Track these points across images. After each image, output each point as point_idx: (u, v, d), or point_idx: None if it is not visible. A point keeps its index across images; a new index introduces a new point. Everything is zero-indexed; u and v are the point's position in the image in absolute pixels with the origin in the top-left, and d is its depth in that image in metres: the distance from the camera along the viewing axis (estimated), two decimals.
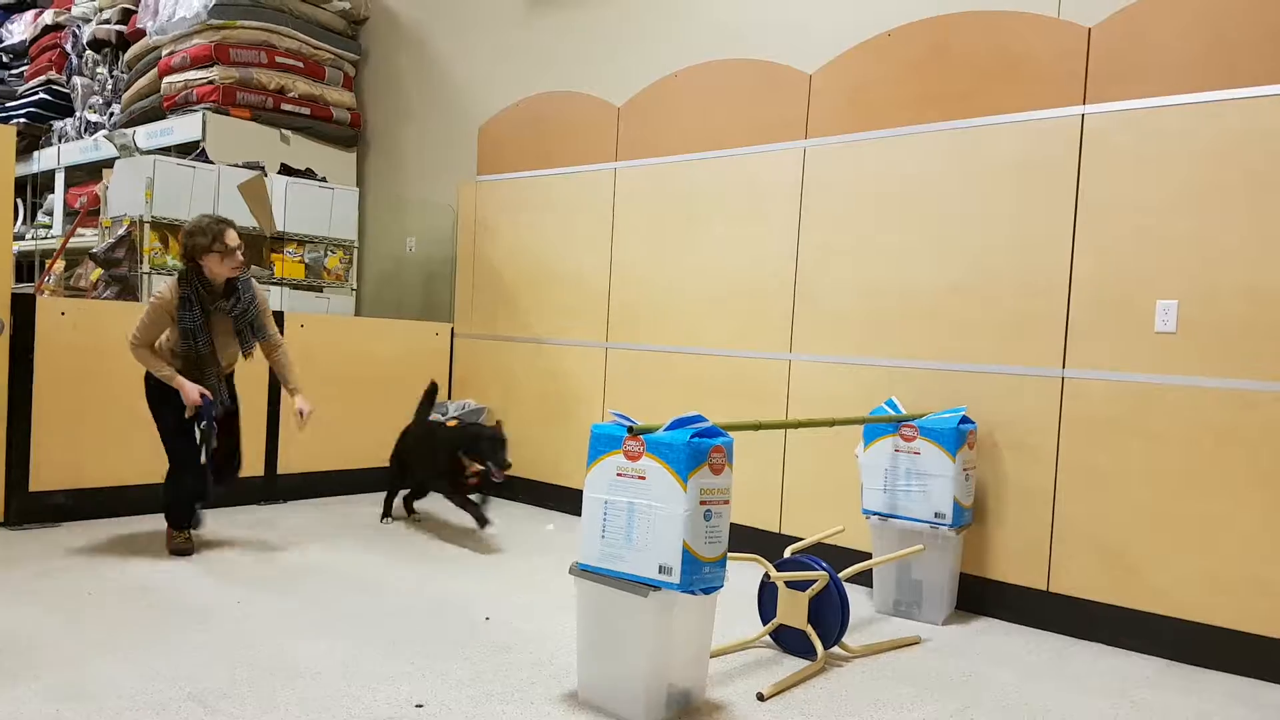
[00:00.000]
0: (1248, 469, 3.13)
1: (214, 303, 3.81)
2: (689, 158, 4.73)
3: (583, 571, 2.57)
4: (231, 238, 3.77)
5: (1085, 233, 3.50)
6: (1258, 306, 3.12)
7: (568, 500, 5.17)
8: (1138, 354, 3.37)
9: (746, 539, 4.25)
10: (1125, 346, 3.39)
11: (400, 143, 6.82)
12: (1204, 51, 3.25)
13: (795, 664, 2.97)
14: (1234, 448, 3.17)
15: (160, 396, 3.85)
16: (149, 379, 3.86)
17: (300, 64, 6.67)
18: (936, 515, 3.56)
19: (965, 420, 3.64)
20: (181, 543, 3.96)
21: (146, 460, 4.35)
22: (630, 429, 2.50)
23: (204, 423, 3.85)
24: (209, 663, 2.72)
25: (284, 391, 4.15)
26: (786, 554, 3.26)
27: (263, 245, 5.67)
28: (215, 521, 4.46)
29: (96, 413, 4.45)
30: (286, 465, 5.15)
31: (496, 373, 5.71)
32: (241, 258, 3.82)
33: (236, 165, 5.65)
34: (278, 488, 5.13)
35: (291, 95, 6.59)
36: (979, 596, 3.72)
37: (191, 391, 3.76)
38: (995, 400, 3.70)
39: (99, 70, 7.79)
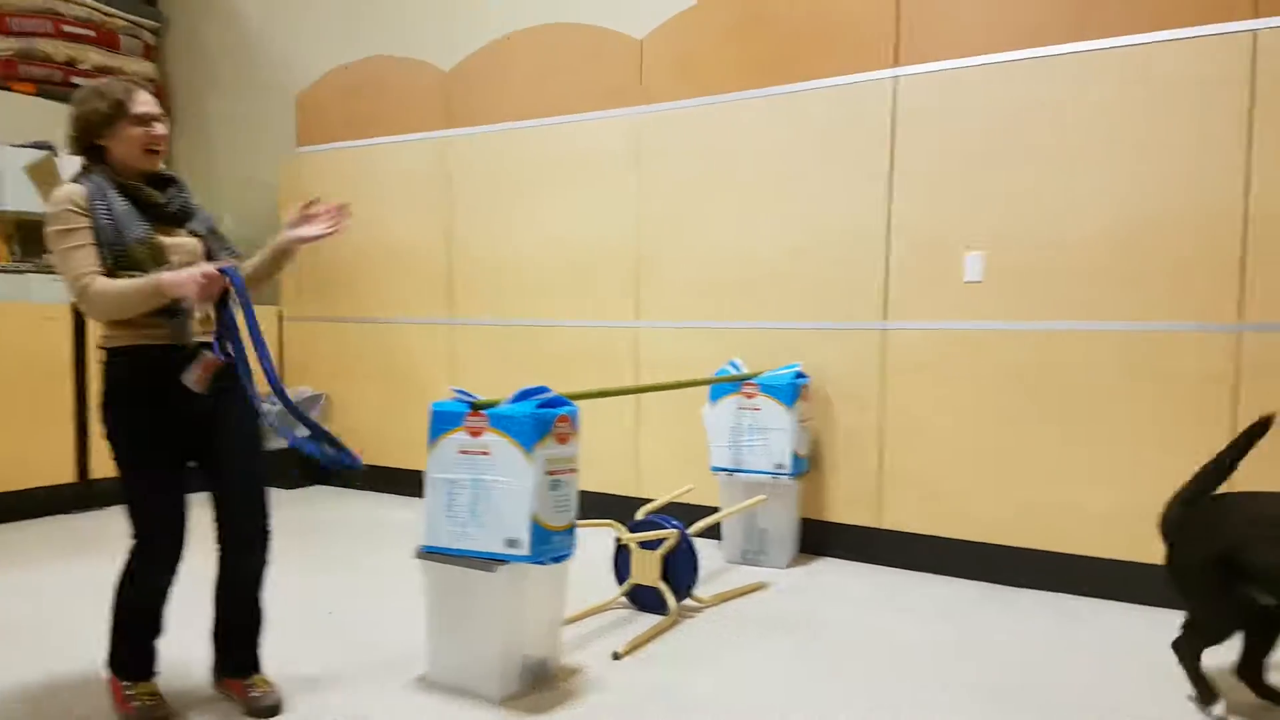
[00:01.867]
0: (1046, 403, 3.45)
1: (147, 193, 2.29)
2: (525, 124, 4.68)
3: (428, 554, 2.54)
4: (145, 101, 2.30)
5: (900, 191, 3.71)
6: (1053, 254, 3.41)
7: (414, 484, 5.05)
8: (949, 303, 3.62)
9: (606, 505, 4.31)
10: (938, 297, 3.64)
11: (210, 115, 6.38)
12: (1001, 13, 3.48)
13: (650, 621, 3.06)
14: (1034, 384, 3.47)
15: (128, 411, 2.24)
16: (112, 380, 2.24)
17: (92, 33, 6.10)
18: (777, 466, 3.73)
19: (800, 375, 3.82)
20: (146, 704, 2.33)
21: None
22: (472, 405, 2.48)
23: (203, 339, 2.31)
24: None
25: (276, 252, 2.53)
26: (639, 516, 3.34)
27: None
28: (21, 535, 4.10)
29: None
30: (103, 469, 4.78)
31: (334, 356, 5.50)
32: (160, 130, 2.32)
33: (22, 145, 5.14)
34: (93, 492, 4.75)
35: (83, 67, 6.02)
36: (819, 539, 3.94)
37: (185, 280, 2.12)
38: (826, 354, 3.89)
39: None
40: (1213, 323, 3.15)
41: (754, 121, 4.02)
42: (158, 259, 2.22)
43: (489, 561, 2.45)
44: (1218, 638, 2.36)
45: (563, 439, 2.48)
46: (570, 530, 2.53)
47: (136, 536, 2.28)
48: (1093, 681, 2.61)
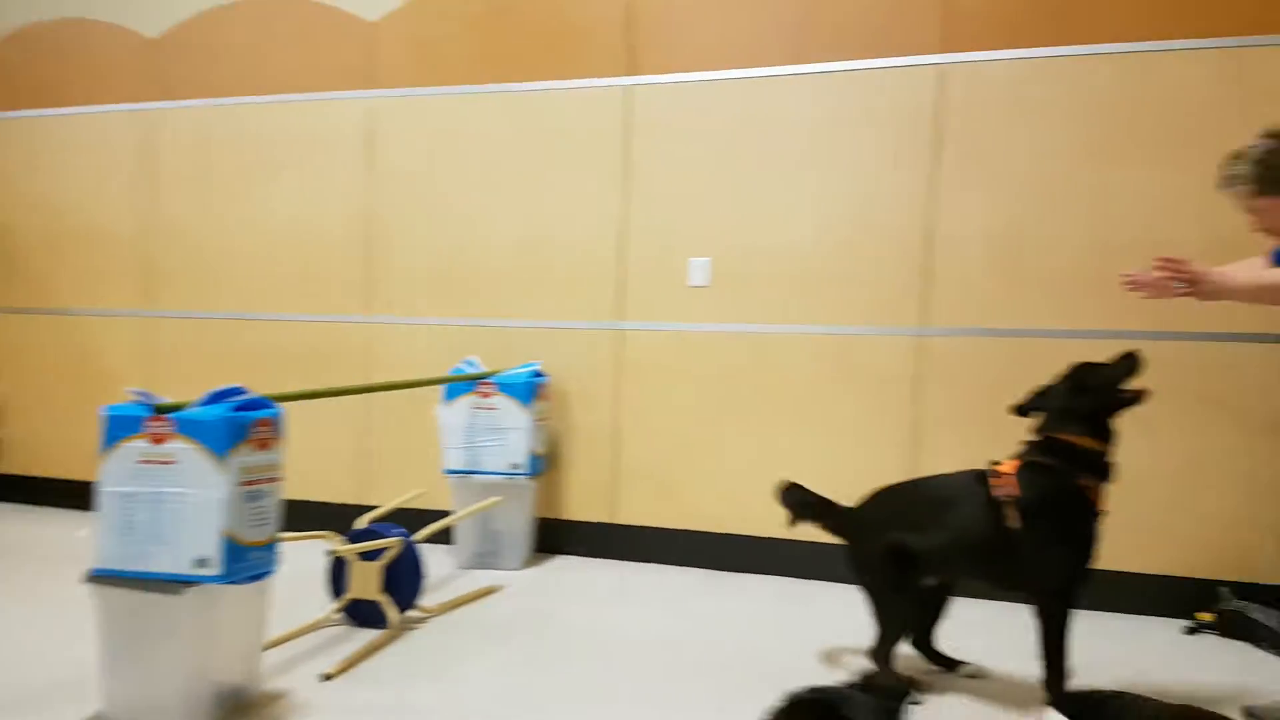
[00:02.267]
0: (757, 400, 3.66)
1: None
2: (244, 100, 4.30)
3: (100, 578, 2.24)
4: None
5: (634, 196, 3.79)
6: (766, 261, 3.62)
7: None
8: (676, 306, 3.75)
9: (330, 515, 4.05)
10: (667, 299, 3.76)
11: None
12: (725, 33, 3.64)
13: (369, 636, 2.90)
14: (748, 382, 3.68)
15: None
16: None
17: None
18: (513, 466, 3.68)
19: (538, 374, 3.79)
20: None
21: None
22: (155, 408, 2.21)
23: None
24: None
25: None
26: (360, 524, 3.16)
27: None
28: None
29: None
30: None
31: (11, 352, 4.78)
32: None
33: None
34: None
35: None
36: (556, 537, 3.94)
37: None
38: (564, 353, 3.90)
39: None
40: (899, 326, 3.48)
41: (492, 116, 3.94)
42: None
43: (174, 584, 2.20)
44: (901, 630, 2.54)
45: (263, 445, 2.27)
46: (271, 545, 2.33)
47: None
48: (799, 653, 2.79)
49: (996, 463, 2.41)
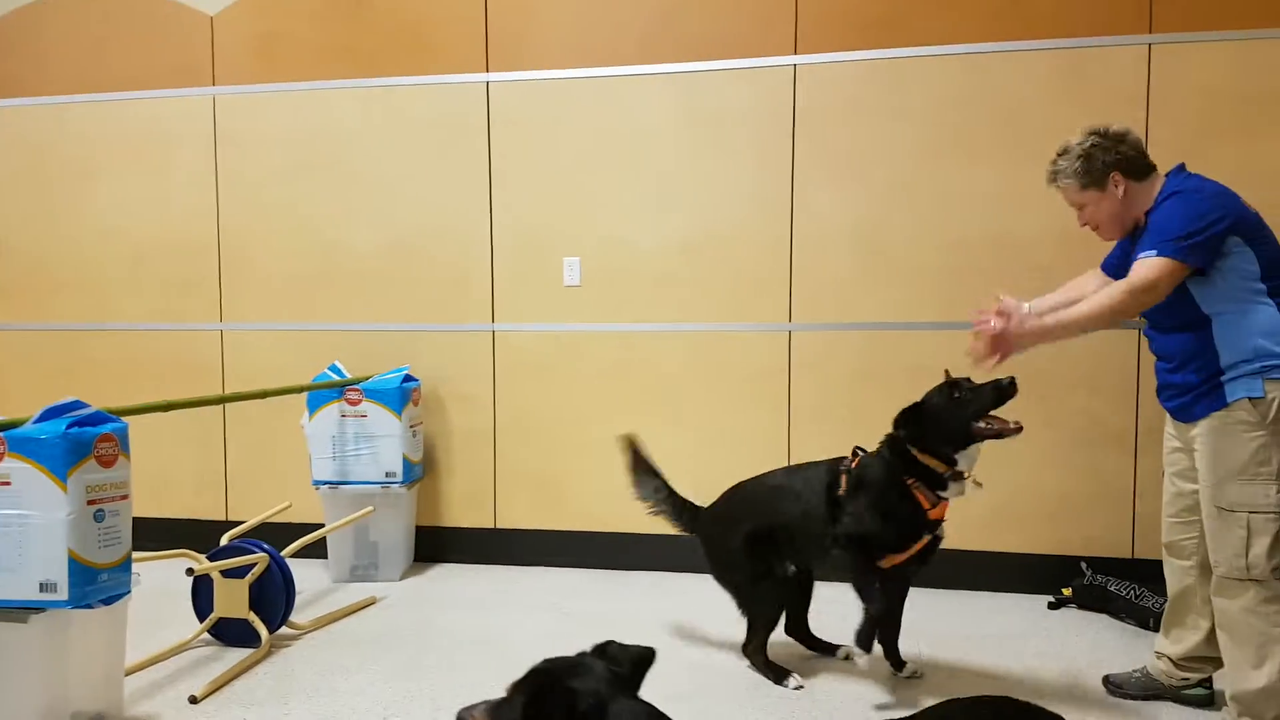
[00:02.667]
0: (631, 396, 3.69)
1: None
2: (75, 99, 4.03)
3: None
4: None
5: (500, 195, 3.76)
6: (634, 261, 3.66)
7: None
8: (552, 306, 3.74)
9: (189, 533, 3.82)
10: (541, 299, 3.75)
11: None
12: (578, 33, 3.66)
13: (239, 656, 2.77)
14: (622, 380, 3.71)
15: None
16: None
17: None
18: (387, 474, 3.59)
19: (409, 379, 3.71)
20: None
21: None
22: None
23: None
24: None
25: None
26: (224, 541, 3.01)
27: None
28: None
29: None
30: None
31: None
32: None
33: None
34: None
35: None
36: (436, 545, 3.86)
37: None
38: (437, 357, 3.83)
39: None
40: (767, 323, 3.59)
41: (349, 113, 3.84)
42: None
43: (19, 611, 2.06)
44: (771, 621, 2.63)
45: (107, 462, 2.14)
46: (124, 566, 2.19)
47: None
48: (678, 645, 2.83)
49: (858, 450, 2.56)
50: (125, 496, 2.20)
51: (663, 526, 3.68)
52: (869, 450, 2.54)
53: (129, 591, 2.22)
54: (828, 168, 3.51)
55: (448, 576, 3.68)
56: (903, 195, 3.45)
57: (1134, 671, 2.53)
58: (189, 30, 3.92)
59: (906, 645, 2.67)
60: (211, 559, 2.85)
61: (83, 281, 4.06)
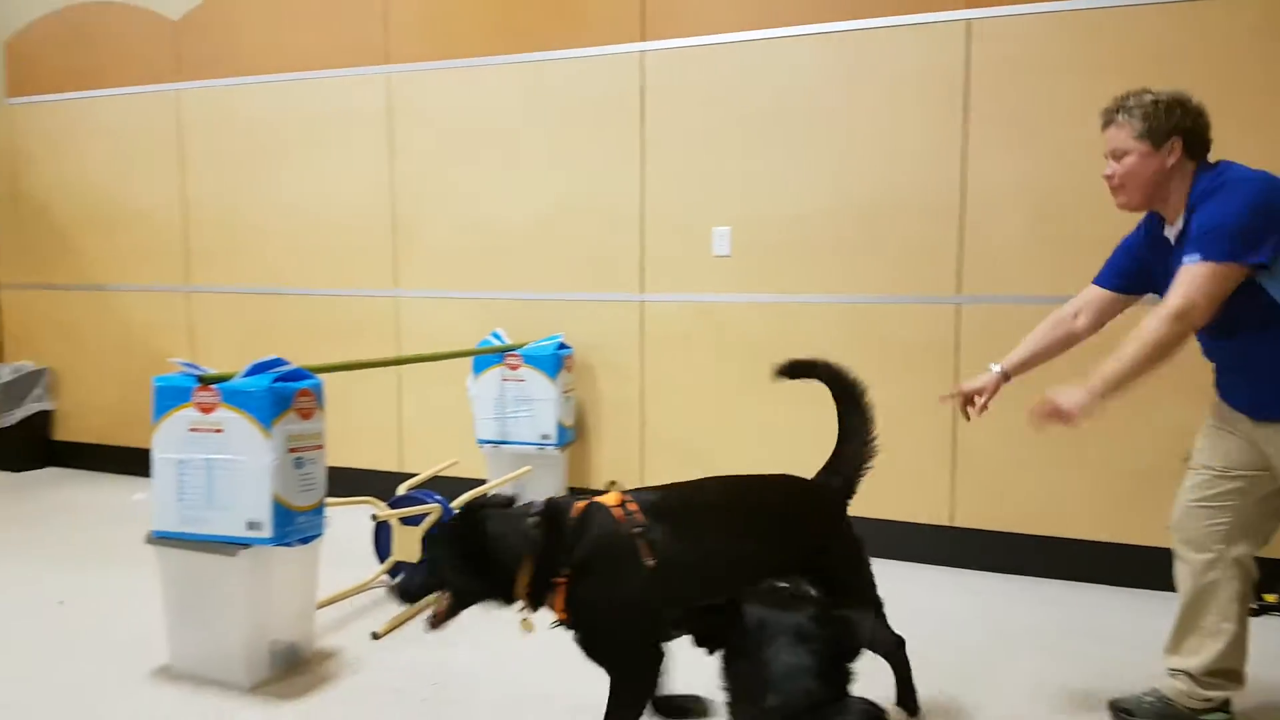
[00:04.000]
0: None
1: None
2: (266, 79, 4.38)
3: (161, 539, 2.36)
4: None
5: (652, 166, 3.83)
6: (791, 231, 3.65)
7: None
8: (700, 276, 3.79)
9: (369, 482, 4.16)
10: (690, 270, 3.81)
11: None
12: None
13: None
14: (775, 352, 3.69)
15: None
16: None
17: None
18: (543, 437, 3.77)
19: (563, 346, 3.87)
20: None
21: None
22: (200, 379, 2.31)
23: None
24: None
25: None
26: (400, 491, 3.26)
27: None
28: None
29: None
30: None
31: (58, 327, 4.93)
32: None
33: None
34: None
35: None
36: None
37: None
38: (587, 325, 3.97)
39: None
40: (935, 295, 3.50)
41: (506, 87, 3.99)
42: None
43: (229, 546, 2.32)
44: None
45: (305, 414, 2.37)
46: (318, 510, 2.43)
47: None
48: None
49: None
50: (320, 446, 2.43)
51: None
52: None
53: (322, 533, 2.46)
54: (1003, 127, 3.31)
55: None
56: (1084, 158, 3.24)
57: (1145, 695, 2.23)
58: (366, 9, 4.18)
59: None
60: (391, 507, 3.09)
61: (275, 249, 4.43)
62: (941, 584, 3.29)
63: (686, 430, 3.86)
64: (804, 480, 2.25)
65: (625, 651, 1.89)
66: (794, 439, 3.69)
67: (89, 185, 4.77)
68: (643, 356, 3.90)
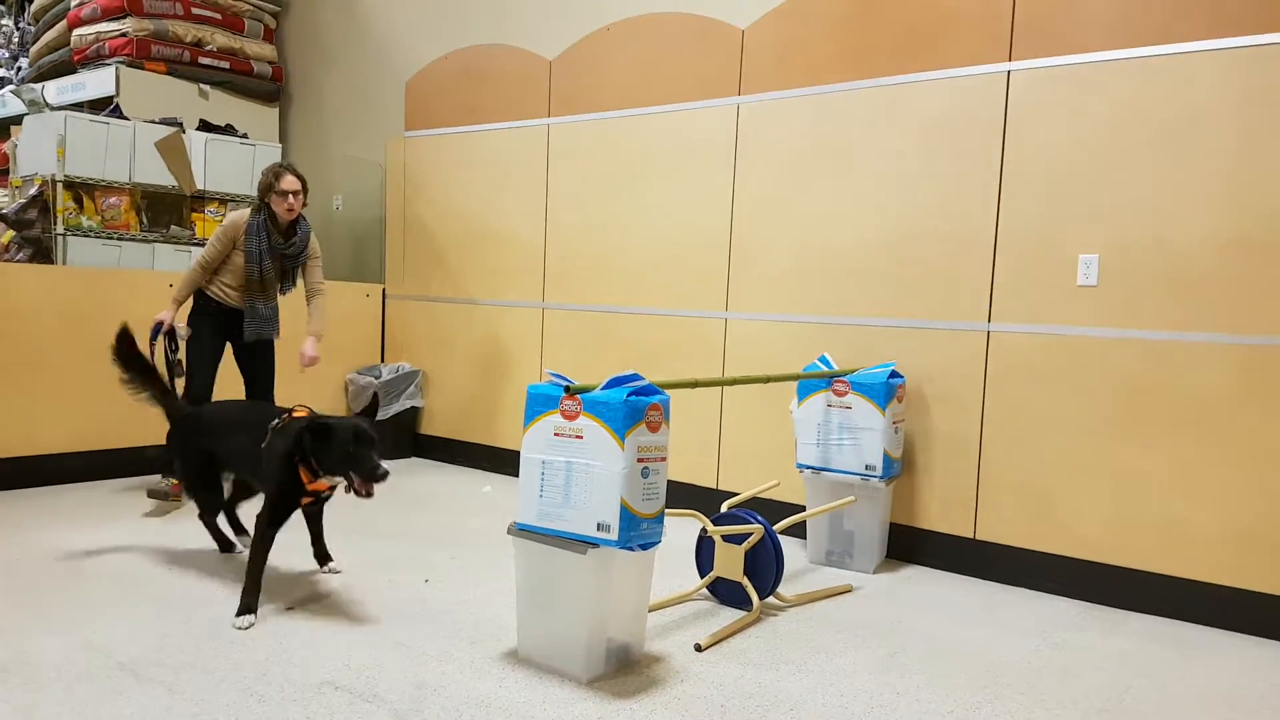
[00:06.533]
0: (1159, 418, 3.27)
1: (275, 238, 4.05)
2: (623, 113, 4.69)
3: (521, 531, 2.57)
4: (289, 182, 3.98)
5: (1010, 189, 3.57)
6: (1165, 260, 3.24)
7: (505, 462, 5.17)
8: (1060, 307, 3.47)
9: (685, 496, 4.30)
10: (1048, 300, 3.49)
11: (325, 97, 6.60)
12: (1123, 9, 3.31)
13: (732, 615, 3.04)
14: (1147, 397, 3.30)
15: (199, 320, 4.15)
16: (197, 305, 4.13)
17: (218, 15, 6.39)
18: (867, 467, 3.65)
19: (895, 375, 3.72)
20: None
21: (71, 427, 4.19)
22: (567, 389, 2.50)
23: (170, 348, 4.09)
24: (138, 630, 2.66)
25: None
26: (723, 509, 3.32)
27: (183, 204, 5.46)
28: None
29: (11, 380, 4.27)
30: None
31: (430, 335, 5.64)
32: (294, 202, 4.01)
33: (153, 122, 5.41)
34: None
35: (209, 48, 6.32)
36: (909, 545, 3.84)
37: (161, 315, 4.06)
38: (924, 354, 3.79)
39: (4, 22, 7.35)
40: None
41: (856, 114, 3.93)
42: (254, 288, 4.08)
43: (580, 544, 2.47)
44: (209, 507, 3.45)
45: (654, 427, 2.48)
46: (659, 518, 2.53)
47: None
48: (1194, 716, 2.48)
49: (301, 406, 3.07)
50: (664, 459, 2.53)
51: (1168, 566, 3.26)
52: (297, 408, 3.05)
53: (660, 541, 2.55)
54: None
55: (922, 579, 3.64)
56: None
57: None
58: (723, 43, 4.33)
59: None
60: (714, 524, 3.15)
61: (622, 270, 4.73)
62: None
63: (1032, 473, 3.54)
64: None
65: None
66: (1168, 496, 3.27)
67: (466, 210, 5.41)
68: (985, 391, 3.65)
